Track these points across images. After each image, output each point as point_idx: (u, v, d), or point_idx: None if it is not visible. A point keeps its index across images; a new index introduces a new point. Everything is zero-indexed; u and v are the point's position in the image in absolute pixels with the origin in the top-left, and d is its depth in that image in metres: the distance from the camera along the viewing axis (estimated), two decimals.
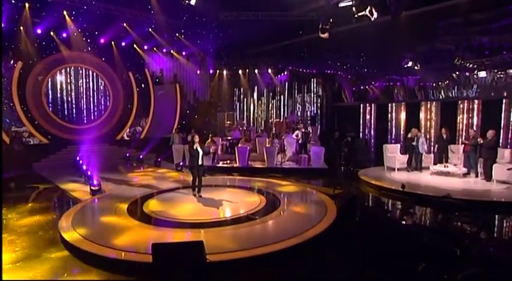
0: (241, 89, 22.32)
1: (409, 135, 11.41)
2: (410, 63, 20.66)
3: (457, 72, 20.34)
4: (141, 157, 14.25)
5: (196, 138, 8.06)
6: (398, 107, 15.84)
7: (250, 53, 19.91)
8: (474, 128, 12.67)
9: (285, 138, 13.57)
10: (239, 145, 12.98)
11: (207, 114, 20.70)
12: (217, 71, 21.54)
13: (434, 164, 11.15)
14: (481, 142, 9.51)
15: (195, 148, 8.00)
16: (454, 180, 9.85)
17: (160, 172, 12.10)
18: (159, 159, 13.18)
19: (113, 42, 17.25)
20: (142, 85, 18.53)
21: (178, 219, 6.51)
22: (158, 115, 18.48)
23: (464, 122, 13.51)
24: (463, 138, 12.52)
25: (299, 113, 20.32)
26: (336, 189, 7.88)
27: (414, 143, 10.99)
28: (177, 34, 17.54)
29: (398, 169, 11.23)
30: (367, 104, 17.03)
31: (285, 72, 21.52)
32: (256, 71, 21.32)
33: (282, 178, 10.66)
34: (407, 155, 11.48)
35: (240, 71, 21.56)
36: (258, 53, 19.74)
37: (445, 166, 10.50)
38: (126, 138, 17.60)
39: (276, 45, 18.11)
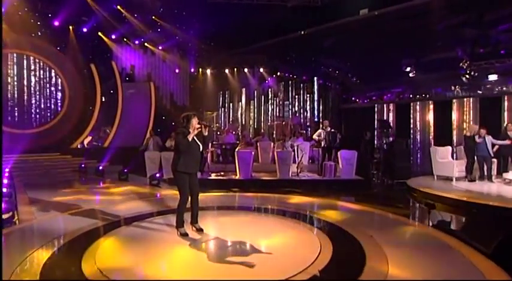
0: (228, 91, 19.11)
1: (468, 134, 8.58)
2: (408, 69, 18.48)
3: (467, 76, 18.31)
4: (100, 168, 10.41)
5: (196, 121, 4.38)
6: (424, 107, 13.17)
7: (240, 51, 16.93)
8: None
9: (296, 143, 10.34)
10: (238, 149, 9.55)
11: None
12: (200, 70, 18.32)
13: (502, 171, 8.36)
14: None
15: (206, 132, 4.53)
16: None
17: (126, 188, 8.42)
18: (125, 170, 9.49)
19: (71, 27, 13.84)
20: (108, 82, 14.96)
21: None
22: (127, 119, 14.91)
23: None
24: None
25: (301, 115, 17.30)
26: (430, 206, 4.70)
27: (478, 140, 8.14)
28: (153, 17, 14.19)
29: (456, 179, 8.32)
30: (385, 105, 14.28)
31: (278, 74, 18.64)
32: (246, 70, 18.32)
33: (307, 194, 7.41)
34: (462, 160, 8.64)
35: (227, 70, 18.45)
36: (248, 51, 16.83)
37: None
38: (85, 146, 13.80)
39: (270, 41, 15.42)
